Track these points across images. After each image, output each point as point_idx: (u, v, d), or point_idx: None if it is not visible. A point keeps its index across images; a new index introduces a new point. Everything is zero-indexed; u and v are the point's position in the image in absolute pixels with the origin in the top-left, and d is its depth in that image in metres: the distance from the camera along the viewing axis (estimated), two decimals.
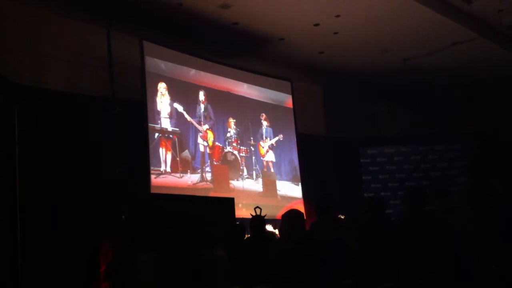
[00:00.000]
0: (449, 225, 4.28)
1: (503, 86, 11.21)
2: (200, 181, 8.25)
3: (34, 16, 7.17)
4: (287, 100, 10.15)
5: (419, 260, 4.05)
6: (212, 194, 8.21)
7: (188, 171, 8.14)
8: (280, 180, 9.52)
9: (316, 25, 8.54)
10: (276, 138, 9.67)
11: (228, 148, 8.83)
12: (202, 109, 8.62)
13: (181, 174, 8.02)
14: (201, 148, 8.47)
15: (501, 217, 4.60)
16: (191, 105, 8.48)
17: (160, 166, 7.80)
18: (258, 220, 5.20)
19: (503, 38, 9.52)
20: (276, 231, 7.27)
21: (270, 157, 9.51)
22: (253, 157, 9.19)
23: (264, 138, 9.51)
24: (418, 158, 11.03)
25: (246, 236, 5.72)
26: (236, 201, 6.73)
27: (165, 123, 8.00)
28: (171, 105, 8.14)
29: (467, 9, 8.48)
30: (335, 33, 8.86)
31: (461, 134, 11.78)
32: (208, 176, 8.38)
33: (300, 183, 9.81)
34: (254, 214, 5.32)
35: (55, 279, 6.28)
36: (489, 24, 8.98)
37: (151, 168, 7.58)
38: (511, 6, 8.39)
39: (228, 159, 8.78)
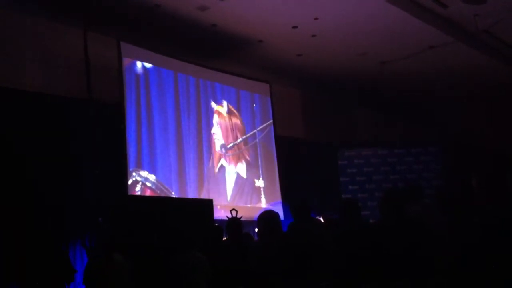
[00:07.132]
0: (423, 227, 4.32)
1: (479, 90, 11.37)
2: None
3: (9, 17, 7.09)
4: None
5: (395, 262, 4.08)
6: None
7: None
8: None
9: (294, 27, 8.56)
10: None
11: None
12: None
13: None
14: None
15: (480, 216, 4.64)
16: None
17: None
18: (234, 223, 5.21)
19: (478, 42, 9.63)
20: None
21: None
22: None
23: None
24: (395, 161, 11.10)
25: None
26: None
27: None
28: None
29: (443, 13, 8.56)
30: (313, 35, 8.89)
31: (438, 137, 11.90)
32: None
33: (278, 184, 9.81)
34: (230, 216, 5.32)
35: (29, 279, 6.19)
36: (465, 28, 9.07)
37: None
38: (487, 11, 8.50)
39: None
